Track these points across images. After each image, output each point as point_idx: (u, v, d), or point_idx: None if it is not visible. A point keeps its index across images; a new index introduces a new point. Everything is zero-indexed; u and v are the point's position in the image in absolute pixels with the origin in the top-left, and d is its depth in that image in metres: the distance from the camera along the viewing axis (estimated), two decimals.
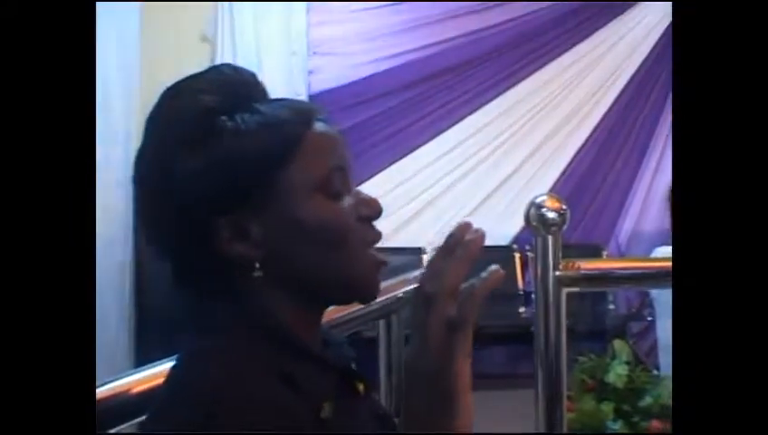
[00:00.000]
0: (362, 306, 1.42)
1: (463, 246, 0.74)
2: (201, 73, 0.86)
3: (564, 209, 1.68)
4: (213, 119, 0.81)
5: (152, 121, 0.84)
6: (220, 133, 0.81)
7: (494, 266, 0.74)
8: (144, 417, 0.83)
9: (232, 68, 0.87)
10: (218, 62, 4.95)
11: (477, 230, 0.75)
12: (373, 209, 0.86)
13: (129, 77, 4.70)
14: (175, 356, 0.84)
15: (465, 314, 0.72)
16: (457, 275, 0.73)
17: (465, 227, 0.75)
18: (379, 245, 0.87)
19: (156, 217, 0.84)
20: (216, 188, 0.80)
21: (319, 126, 0.85)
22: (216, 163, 0.80)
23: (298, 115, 0.84)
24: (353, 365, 0.91)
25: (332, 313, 1.31)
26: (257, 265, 0.82)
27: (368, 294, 0.87)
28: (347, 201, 0.85)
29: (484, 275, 0.73)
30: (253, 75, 0.87)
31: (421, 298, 0.75)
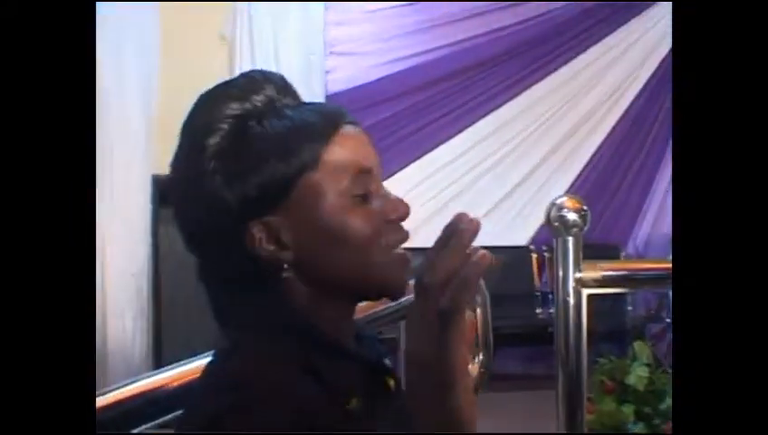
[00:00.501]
0: (381, 308, 1.43)
1: (456, 235, 0.76)
2: (233, 80, 0.89)
3: (585, 211, 1.67)
4: (244, 124, 0.84)
5: (186, 127, 0.87)
6: (251, 138, 0.83)
7: (482, 250, 0.76)
8: (184, 407, 0.86)
9: (262, 73, 0.89)
10: (236, 61, 4.98)
11: (472, 220, 0.77)
12: (401, 211, 0.87)
13: (148, 77, 4.72)
14: (193, 357, 0.89)
15: (455, 301, 0.75)
16: (450, 264, 0.75)
17: (460, 218, 0.77)
18: None
19: (190, 219, 0.86)
20: (247, 193, 0.83)
21: (347, 129, 0.87)
22: (247, 168, 0.83)
23: (326, 119, 0.86)
24: (386, 361, 0.94)
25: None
26: (286, 266, 0.84)
27: (396, 292, 0.89)
28: (375, 203, 0.86)
29: (473, 259, 0.75)
30: (282, 79, 0.89)
31: (417, 289, 0.78)
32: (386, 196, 0.88)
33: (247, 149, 0.83)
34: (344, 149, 0.85)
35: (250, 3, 5.13)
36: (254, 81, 0.87)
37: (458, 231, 0.76)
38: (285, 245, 0.84)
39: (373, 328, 1.47)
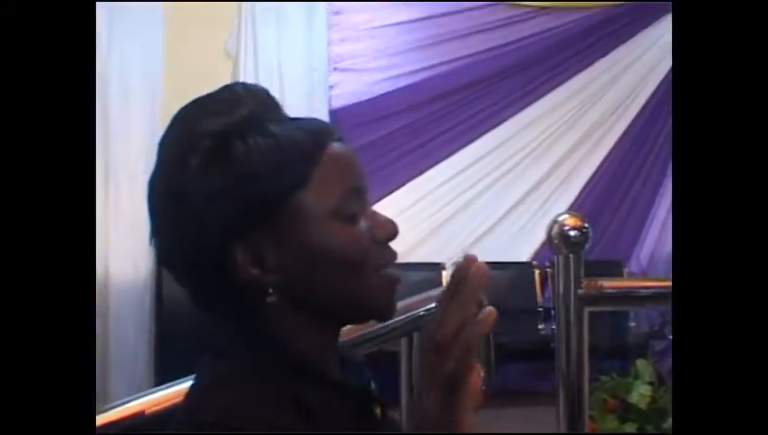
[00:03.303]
0: (382, 325, 1.42)
1: (464, 284, 0.71)
2: (213, 94, 0.84)
3: (586, 228, 1.67)
4: (226, 141, 0.79)
5: (164, 144, 0.82)
6: (234, 156, 0.79)
7: (488, 308, 0.71)
8: None
9: (244, 86, 0.84)
10: (240, 77, 5.00)
11: (480, 266, 0.71)
12: (389, 232, 0.84)
13: (152, 93, 4.74)
14: (193, 376, 0.84)
15: (460, 368, 0.70)
16: (458, 319, 0.70)
17: (467, 263, 0.72)
18: (399, 260, 0.86)
19: (169, 240, 0.82)
20: (230, 213, 0.78)
21: (334, 147, 0.83)
22: (230, 188, 0.78)
23: (313, 137, 0.82)
24: (372, 385, 0.90)
25: (353, 331, 1.30)
26: (271, 291, 0.80)
27: (383, 314, 0.86)
28: (363, 223, 0.83)
29: (479, 317, 0.70)
30: (266, 92, 0.85)
31: (426, 347, 0.73)
32: (373, 215, 0.84)
33: (230, 167, 0.78)
34: (333, 168, 0.81)
35: (255, 19, 5.14)
36: (235, 94, 0.82)
37: (466, 280, 0.70)
38: (270, 268, 0.79)
39: (360, 351, 1.46)
